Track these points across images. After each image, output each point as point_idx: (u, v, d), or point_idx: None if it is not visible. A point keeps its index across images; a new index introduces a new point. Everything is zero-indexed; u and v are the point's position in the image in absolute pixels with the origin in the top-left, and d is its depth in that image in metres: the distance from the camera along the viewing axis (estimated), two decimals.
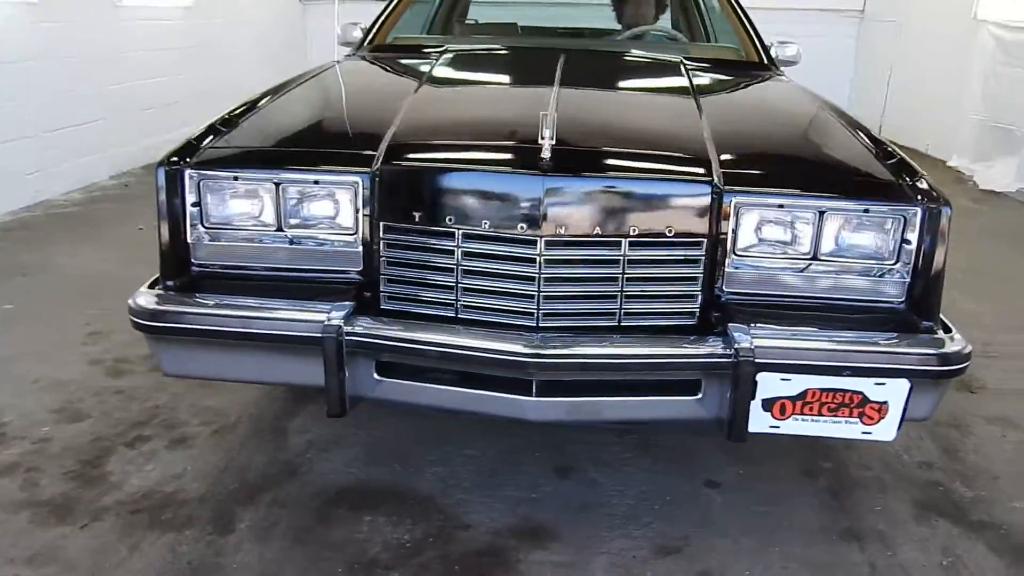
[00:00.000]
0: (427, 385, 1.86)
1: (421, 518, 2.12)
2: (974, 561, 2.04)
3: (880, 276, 1.90)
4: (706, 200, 1.84)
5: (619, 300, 1.86)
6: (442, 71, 2.79)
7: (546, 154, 1.79)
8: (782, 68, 3.32)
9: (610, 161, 1.99)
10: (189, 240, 1.94)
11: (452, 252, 1.85)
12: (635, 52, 3.36)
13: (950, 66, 6.90)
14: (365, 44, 3.39)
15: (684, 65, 2.91)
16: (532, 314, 1.84)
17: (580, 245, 1.82)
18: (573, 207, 1.80)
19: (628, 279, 1.85)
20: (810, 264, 1.91)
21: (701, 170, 1.87)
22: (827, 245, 1.90)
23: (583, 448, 2.44)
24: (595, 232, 1.81)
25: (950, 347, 1.83)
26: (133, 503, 2.16)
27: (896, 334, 1.84)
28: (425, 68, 2.75)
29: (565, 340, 1.79)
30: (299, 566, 1.95)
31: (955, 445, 2.56)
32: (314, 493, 2.23)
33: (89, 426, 2.55)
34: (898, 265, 1.90)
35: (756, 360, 1.74)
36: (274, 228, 1.95)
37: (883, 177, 1.97)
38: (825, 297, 1.93)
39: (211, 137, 2.03)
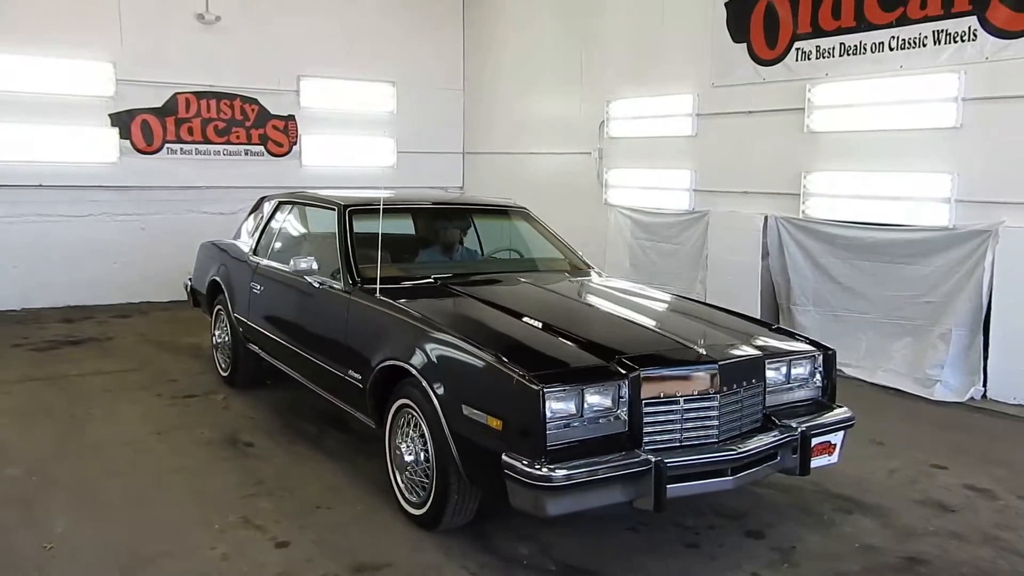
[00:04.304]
0: (687, 483, 3.45)
1: None
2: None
3: (813, 384, 4.09)
4: (761, 364, 3.82)
5: (740, 420, 3.71)
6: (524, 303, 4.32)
7: (708, 353, 3.62)
8: None
9: (729, 351, 3.82)
10: (548, 431, 3.25)
11: (678, 411, 3.51)
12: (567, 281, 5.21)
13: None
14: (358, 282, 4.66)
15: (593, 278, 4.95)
16: (715, 434, 3.58)
17: (730, 394, 3.63)
18: (726, 376, 3.62)
19: (745, 406, 3.71)
20: (791, 385, 4.02)
21: (759, 352, 3.85)
22: (793, 375, 4.03)
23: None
24: (733, 386, 3.65)
25: (850, 413, 4.06)
26: None
27: (841, 411, 4.02)
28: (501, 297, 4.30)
29: (744, 444, 3.58)
30: None
31: None
32: None
33: None
34: (817, 377, 4.11)
35: (810, 434, 3.74)
36: (578, 415, 3.36)
37: (800, 338, 4.19)
38: (796, 401, 4.03)
39: (531, 364, 3.41)
